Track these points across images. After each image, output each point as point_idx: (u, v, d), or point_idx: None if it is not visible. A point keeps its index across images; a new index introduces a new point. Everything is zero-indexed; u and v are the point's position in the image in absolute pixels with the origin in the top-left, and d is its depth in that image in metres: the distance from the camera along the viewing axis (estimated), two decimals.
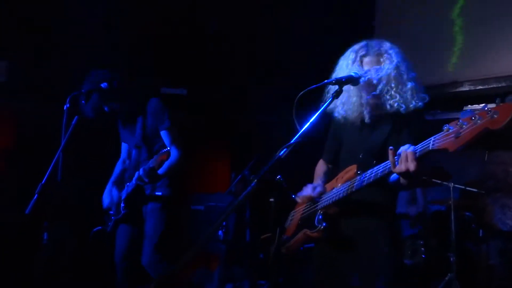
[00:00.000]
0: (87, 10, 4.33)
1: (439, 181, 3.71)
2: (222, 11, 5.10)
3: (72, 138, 2.46)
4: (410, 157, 1.62)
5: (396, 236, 2.02)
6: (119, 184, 3.25)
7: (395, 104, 1.93)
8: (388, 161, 1.71)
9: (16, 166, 4.38)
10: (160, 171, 2.86)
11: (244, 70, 5.24)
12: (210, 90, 5.27)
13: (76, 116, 2.47)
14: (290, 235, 2.10)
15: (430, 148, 1.55)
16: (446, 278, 3.53)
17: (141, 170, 2.79)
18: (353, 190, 1.84)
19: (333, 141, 2.22)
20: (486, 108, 1.41)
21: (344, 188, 1.89)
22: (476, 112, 1.42)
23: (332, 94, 1.82)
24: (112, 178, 3.28)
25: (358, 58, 1.99)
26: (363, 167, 1.88)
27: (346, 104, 2.03)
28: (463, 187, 3.76)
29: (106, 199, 3.22)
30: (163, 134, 3.02)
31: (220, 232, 4.21)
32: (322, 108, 1.78)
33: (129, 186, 3.05)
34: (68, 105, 2.46)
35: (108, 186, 3.26)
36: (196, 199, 4.61)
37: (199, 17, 5.09)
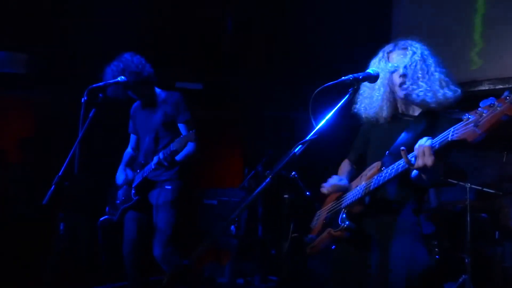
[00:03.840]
0: (105, 2, 4.36)
1: (455, 181, 3.66)
2: (239, 8, 5.09)
3: (89, 131, 2.48)
4: (427, 152, 1.55)
5: (420, 235, 1.94)
6: (131, 166, 3.34)
7: (421, 93, 1.86)
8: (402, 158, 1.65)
9: (34, 158, 4.45)
10: (177, 157, 2.96)
11: (259, 66, 5.24)
12: (225, 85, 5.28)
13: (93, 109, 2.49)
14: (315, 234, 2.07)
15: (450, 139, 1.46)
16: (460, 280, 3.49)
17: (161, 154, 2.84)
18: (371, 189, 1.80)
19: (360, 141, 2.17)
20: (506, 94, 1.35)
21: (364, 186, 1.85)
22: (496, 99, 1.36)
23: (350, 91, 1.79)
24: (123, 163, 3.37)
25: (385, 55, 1.96)
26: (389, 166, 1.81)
27: (367, 101, 2.00)
28: (479, 188, 3.70)
29: (120, 177, 3.29)
30: (182, 126, 3.11)
31: (232, 227, 4.23)
32: (338, 105, 1.75)
33: (143, 172, 3.11)
34: (85, 97, 2.48)
35: (121, 168, 3.35)
36: (209, 194, 4.64)
37: (216, 13, 5.10)
